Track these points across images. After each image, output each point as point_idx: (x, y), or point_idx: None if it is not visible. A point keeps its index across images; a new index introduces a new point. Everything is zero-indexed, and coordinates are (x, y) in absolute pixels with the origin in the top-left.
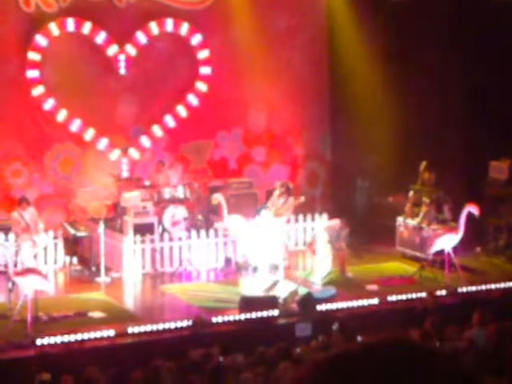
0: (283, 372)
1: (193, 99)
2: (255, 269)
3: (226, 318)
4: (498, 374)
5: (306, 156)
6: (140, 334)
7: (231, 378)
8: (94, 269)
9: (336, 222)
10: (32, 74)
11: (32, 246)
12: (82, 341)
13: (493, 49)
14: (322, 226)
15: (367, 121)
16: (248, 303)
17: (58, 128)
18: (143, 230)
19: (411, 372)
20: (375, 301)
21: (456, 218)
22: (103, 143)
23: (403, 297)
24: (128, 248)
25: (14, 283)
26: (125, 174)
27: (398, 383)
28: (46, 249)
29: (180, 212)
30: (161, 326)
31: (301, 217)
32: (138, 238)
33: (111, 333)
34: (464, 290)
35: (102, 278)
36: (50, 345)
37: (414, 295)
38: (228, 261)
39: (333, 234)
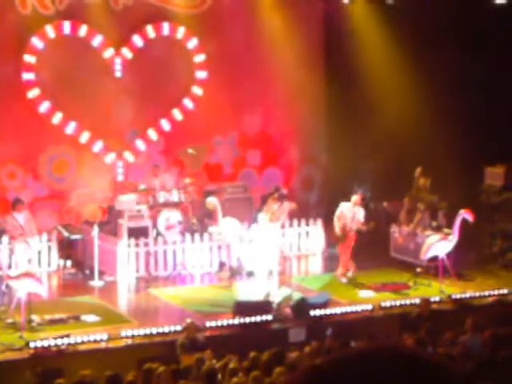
0: (277, 377)
1: (188, 103)
2: (249, 273)
3: (219, 323)
4: (492, 379)
5: (301, 160)
6: (133, 337)
7: (224, 382)
8: (87, 272)
9: (348, 205)
10: (28, 76)
11: (26, 249)
12: (76, 344)
13: (491, 54)
14: (340, 210)
15: (363, 125)
16: (242, 308)
17: (54, 130)
18: (137, 233)
19: (406, 379)
20: (369, 306)
21: (450, 225)
22: (98, 146)
23: (397, 303)
24: (122, 251)
25: (7, 286)
26: (119, 178)
27: None
28: (39, 252)
29: (174, 216)
30: (154, 330)
31: (295, 222)
32: (133, 241)
33: (104, 336)
34: (458, 296)
35: (96, 282)
36: (43, 348)
37: (408, 301)
38: (222, 265)
39: (348, 216)
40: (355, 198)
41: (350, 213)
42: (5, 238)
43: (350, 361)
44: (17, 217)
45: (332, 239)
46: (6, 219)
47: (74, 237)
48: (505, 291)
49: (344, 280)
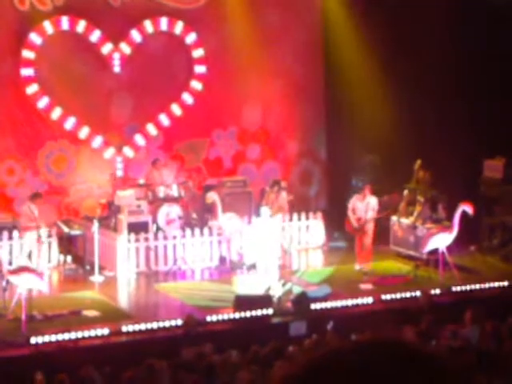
0: (277, 371)
1: (188, 98)
2: (250, 267)
3: (220, 317)
4: (492, 372)
5: (300, 154)
6: (134, 332)
7: (225, 376)
8: (88, 267)
9: (359, 197)
10: (26, 72)
11: (37, 242)
12: (77, 339)
13: (490, 48)
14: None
15: (362, 119)
16: (242, 302)
17: (53, 126)
18: (137, 228)
19: (403, 372)
20: (369, 300)
21: (450, 217)
22: (98, 141)
23: (397, 296)
24: (122, 247)
25: (8, 282)
26: (119, 173)
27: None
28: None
29: (174, 210)
30: (155, 325)
31: (295, 216)
32: (132, 236)
33: (105, 331)
34: (458, 288)
35: (96, 277)
36: (44, 343)
37: (408, 294)
38: (222, 259)
39: (361, 208)
40: (364, 189)
41: (363, 204)
42: (5, 234)
43: (346, 354)
44: (33, 209)
45: (348, 232)
46: (22, 210)
47: (74, 232)
48: (505, 283)
49: (365, 269)
